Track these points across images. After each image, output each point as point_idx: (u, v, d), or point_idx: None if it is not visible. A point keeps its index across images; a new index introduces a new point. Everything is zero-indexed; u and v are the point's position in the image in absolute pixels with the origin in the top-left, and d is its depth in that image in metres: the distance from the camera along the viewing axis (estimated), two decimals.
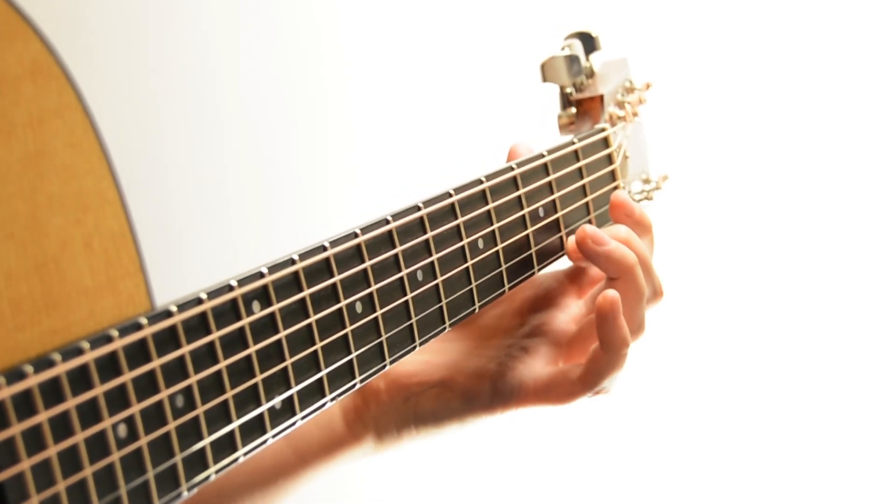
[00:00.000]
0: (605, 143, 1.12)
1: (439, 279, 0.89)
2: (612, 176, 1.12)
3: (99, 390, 0.64)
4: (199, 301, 0.70)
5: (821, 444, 2.10)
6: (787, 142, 2.10)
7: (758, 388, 2.13)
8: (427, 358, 1.02)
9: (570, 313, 1.05)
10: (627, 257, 0.98)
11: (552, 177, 1.02)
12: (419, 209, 0.88)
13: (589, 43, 1.21)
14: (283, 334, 0.75)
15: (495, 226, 0.95)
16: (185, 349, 0.69)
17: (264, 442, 0.74)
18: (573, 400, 0.99)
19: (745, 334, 2.13)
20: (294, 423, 0.76)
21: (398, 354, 0.85)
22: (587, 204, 1.07)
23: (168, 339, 0.68)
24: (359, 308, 0.82)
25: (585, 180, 1.07)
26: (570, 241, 1.01)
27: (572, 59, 1.17)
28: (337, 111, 2.26)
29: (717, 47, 2.11)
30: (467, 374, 1.00)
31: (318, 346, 0.78)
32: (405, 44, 2.23)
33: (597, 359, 0.97)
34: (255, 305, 0.74)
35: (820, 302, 2.10)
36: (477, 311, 0.93)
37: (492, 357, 1.02)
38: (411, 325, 0.87)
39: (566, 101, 1.18)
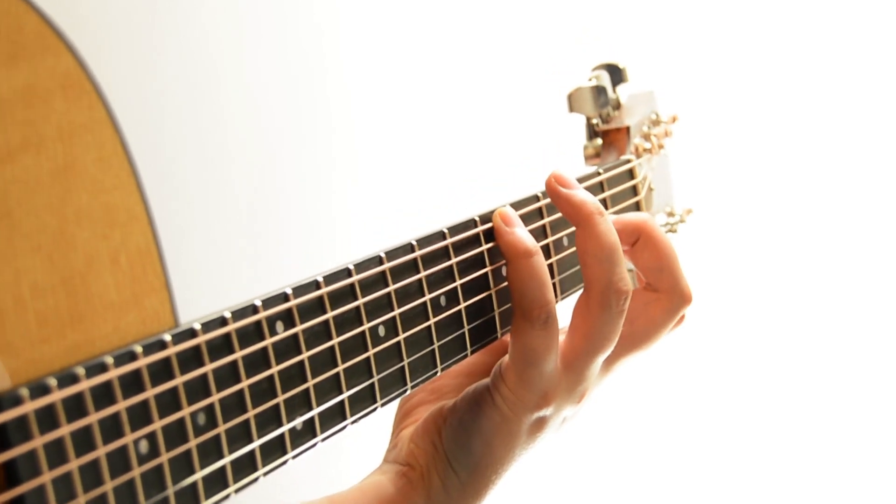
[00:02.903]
0: (631, 174, 1.12)
1: (462, 305, 0.89)
2: (637, 207, 1.12)
3: (122, 405, 0.64)
4: (223, 321, 0.70)
5: (821, 445, 2.10)
6: (810, 180, 2.10)
7: (757, 390, 2.13)
8: (435, 399, 1.01)
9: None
10: (587, 204, 0.94)
11: None
12: (444, 236, 0.88)
13: (616, 74, 1.21)
14: (305, 355, 0.75)
15: None
16: (209, 367, 0.69)
17: (284, 462, 0.74)
18: (606, 343, 0.94)
19: (754, 346, 2.14)
20: (314, 445, 0.76)
21: (419, 379, 0.85)
22: None
23: (192, 358, 0.68)
24: (381, 332, 0.82)
25: (610, 211, 1.07)
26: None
27: (599, 91, 1.17)
28: (366, 133, 2.27)
29: (742, 79, 2.11)
30: (473, 391, 0.95)
31: (341, 368, 0.78)
32: (418, 52, 2.24)
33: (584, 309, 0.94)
34: (279, 326, 0.74)
35: (823, 310, 2.10)
36: (499, 337, 0.93)
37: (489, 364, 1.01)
38: (433, 350, 0.87)
39: (592, 131, 1.18)
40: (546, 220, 0.98)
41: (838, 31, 2.07)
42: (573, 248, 1.01)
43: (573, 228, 1.01)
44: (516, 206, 0.96)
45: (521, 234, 0.92)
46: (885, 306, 2.09)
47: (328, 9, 2.26)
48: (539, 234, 0.98)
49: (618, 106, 1.21)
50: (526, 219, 0.96)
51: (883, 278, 2.09)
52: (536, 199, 0.98)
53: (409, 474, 0.97)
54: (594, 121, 1.18)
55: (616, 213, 1.08)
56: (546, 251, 0.98)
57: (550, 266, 0.99)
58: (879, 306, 2.10)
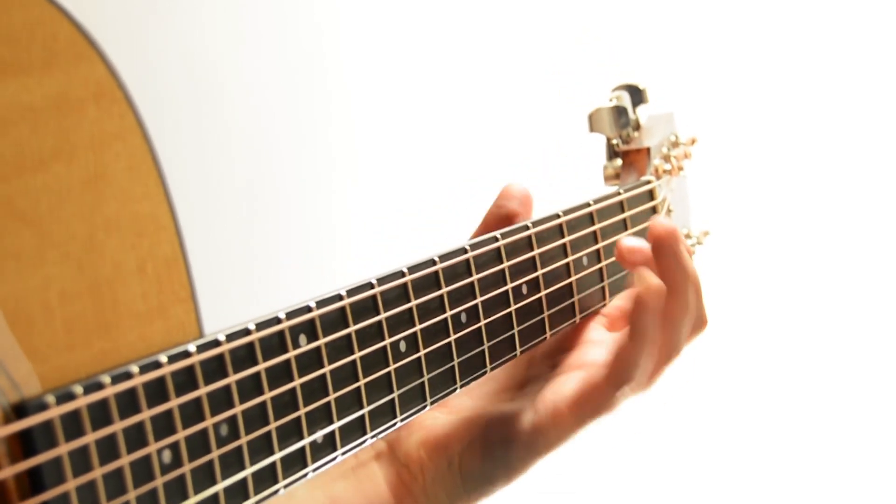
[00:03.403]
0: (651, 195, 1.12)
1: (482, 322, 0.89)
2: None
3: (146, 415, 0.64)
4: (247, 332, 0.70)
5: (830, 452, 2.10)
6: (825, 195, 2.10)
7: (771, 407, 2.13)
8: (453, 418, 0.99)
9: (602, 344, 1.00)
10: (690, 266, 0.95)
11: (597, 226, 1.02)
12: (466, 252, 0.89)
13: (636, 95, 1.21)
14: (327, 369, 0.75)
15: (539, 272, 0.95)
16: (232, 378, 0.69)
17: (304, 475, 0.74)
18: (609, 405, 0.94)
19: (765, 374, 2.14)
20: (335, 459, 0.76)
21: (439, 395, 0.85)
22: None
23: (215, 369, 0.68)
24: (403, 347, 0.82)
25: (629, 231, 1.07)
26: (627, 242, 0.96)
27: (619, 111, 1.17)
28: (366, 133, 2.27)
29: (742, 80, 2.11)
30: (501, 420, 0.97)
31: (362, 382, 0.78)
32: (418, 52, 2.24)
33: (621, 351, 0.92)
34: (302, 339, 0.74)
35: (837, 335, 2.11)
36: (518, 355, 0.93)
37: (522, 397, 0.99)
38: (453, 366, 0.87)
39: (612, 152, 1.18)
40: (567, 238, 0.98)
41: (848, 31, 2.07)
42: (592, 268, 1.01)
43: (593, 248, 1.01)
44: (537, 223, 0.96)
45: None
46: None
47: (328, 10, 2.27)
48: (559, 253, 0.98)
49: (637, 127, 1.21)
50: (546, 237, 0.96)
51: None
52: (557, 216, 0.98)
53: (410, 484, 0.97)
54: (614, 141, 1.18)
55: (635, 234, 1.08)
56: (566, 270, 0.98)
57: (570, 285, 0.99)
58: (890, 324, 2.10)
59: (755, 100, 2.11)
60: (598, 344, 1.01)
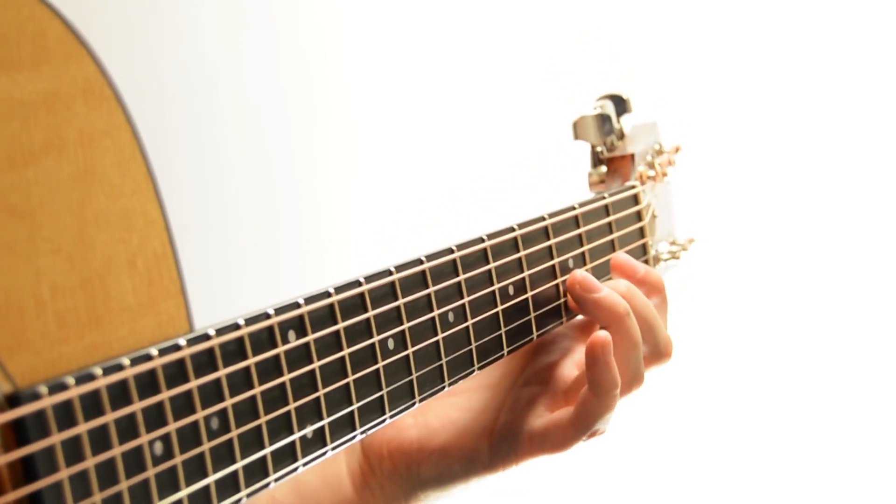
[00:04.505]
0: (635, 200, 1.13)
1: (470, 322, 0.90)
2: (641, 233, 1.13)
3: (137, 406, 0.64)
4: (236, 326, 0.71)
5: (825, 458, 2.10)
6: (811, 199, 2.11)
7: (757, 413, 2.14)
8: (426, 420, 1.02)
9: (573, 359, 1.04)
10: (617, 306, 0.97)
11: (582, 229, 1.04)
12: (452, 252, 0.90)
13: (620, 105, 1.23)
14: (316, 365, 0.76)
15: (526, 273, 0.96)
16: (222, 372, 0.69)
17: (294, 469, 0.75)
18: (568, 446, 0.98)
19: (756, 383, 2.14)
20: (324, 454, 0.77)
21: (427, 393, 0.86)
22: None
23: (206, 362, 0.69)
24: (391, 345, 0.83)
25: (614, 235, 1.08)
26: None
27: (604, 119, 1.18)
28: (366, 134, 2.28)
29: (742, 81, 2.12)
30: (466, 436, 1.00)
31: (351, 379, 0.79)
32: (418, 52, 2.25)
33: (586, 402, 0.96)
34: (291, 335, 0.75)
35: (824, 338, 2.12)
36: (505, 355, 0.94)
37: (491, 410, 1.02)
38: (441, 365, 0.88)
39: (597, 159, 1.19)
40: (552, 241, 1.00)
41: (840, 37, 2.09)
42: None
43: (579, 251, 1.03)
44: (522, 226, 0.97)
45: (614, 296, 0.98)
46: (886, 323, 2.10)
47: (329, 10, 2.28)
48: (545, 255, 0.99)
49: (622, 136, 1.22)
50: (532, 239, 0.97)
51: (884, 302, 2.10)
52: (542, 219, 0.99)
53: (368, 476, 1.00)
54: (598, 149, 1.19)
55: (620, 237, 1.09)
56: (552, 272, 0.99)
57: (556, 287, 1.00)
58: (880, 329, 2.11)
59: (754, 99, 2.12)
60: (568, 353, 1.05)
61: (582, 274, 0.99)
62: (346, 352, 0.79)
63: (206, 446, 0.68)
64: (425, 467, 1.00)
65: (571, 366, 1.03)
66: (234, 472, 0.70)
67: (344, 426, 0.79)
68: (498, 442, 0.99)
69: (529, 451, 0.99)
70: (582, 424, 0.96)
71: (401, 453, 1.01)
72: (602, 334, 0.94)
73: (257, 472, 0.72)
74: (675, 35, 2.14)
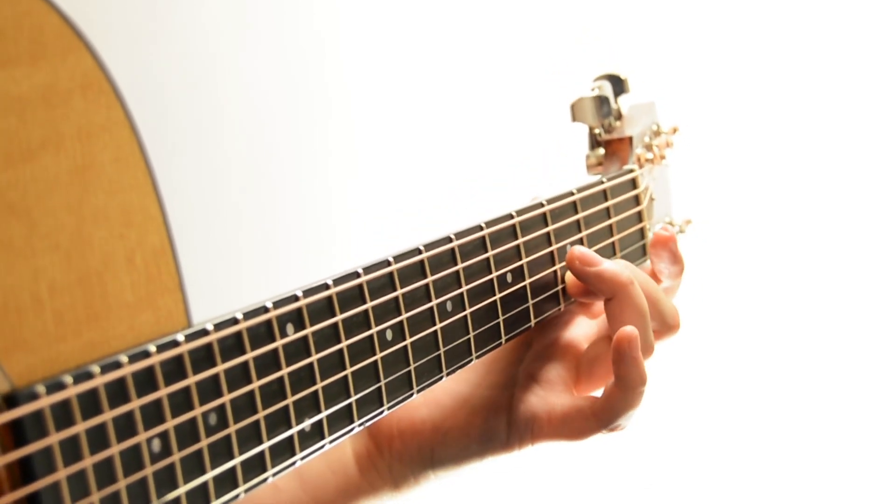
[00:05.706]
0: (633, 184, 1.13)
1: (468, 311, 0.90)
2: (639, 217, 1.13)
3: (135, 404, 0.64)
4: (234, 321, 0.71)
5: (822, 452, 2.11)
6: (810, 188, 2.11)
7: (753, 396, 2.14)
8: (437, 398, 1.01)
9: (579, 331, 1.04)
10: (619, 274, 0.96)
11: (580, 215, 1.03)
12: (451, 240, 0.89)
13: (618, 85, 1.22)
14: (314, 358, 0.76)
15: (524, 261, 0.96)
16: (220, 368, 0.69)
17: (293, 464, 0.74)
18: (588, 437, 0.97)
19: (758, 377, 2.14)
20: (322, 447, 0.77)
21: (426, 383, 0.86)
22: (613, 243, 1.08)
23: (204, 358, 0.68)
24: (389, 336, 0.82)
25: (612, 220, 1.08)
26: (569, 277, 1.00)
27: (602, 101, 1.17)
28: (366, 134, 2.27)
29: (742, 82, 2.12)
30: (481, 414, 0.99)
31: (349, 371, 0.79)
32: (418, 52, 2.24)
33: (612, 396, 0.95)
34: (289, 328, 0.74)
35: (823, 318, 2.12)
36: (504, 343, 0.94)
37: (503, 386, 1.00)
38: (439, 355, 0.87)
39: (594, 141, 1.18)
40: (551, 227, 0.99)
41: (837, 33, 2.08)
42: None
43: (577, 236, 1.02)
44: (521, 212, 0.96)
45: (616, 265, 0.97)
46: (882, 312, 2.10)
47: (328, 10, 2.27)
48: (543, 242, 0.98)
49: (619, 116, 1.22)
50: (530, 226, 0.97)
51: (881, 285, 2.11)
52: (541, 205, 0.99)
53: (376, 458, 0.99)
54: (596, 130, 1.18)
55: (618, 222, 1.09)
56: (550, 259, 0.99)
57: (554, 273, 0.99)
58: (877, 312, 2.11)
59: (752, 94, 2.11)
60: (573, 326, 1.04)
61: (580, 249, 0.97)
62: (344, 344, 0.78)
63: (204, 442, 0.68)
64: (440, 447, 0.99)
65: (580, 337, 1.03)
66: (233, 468, 0.70)
67: (342, 419, 0.78)
68: (516, 420, 0.98)
69: (548, 434, 0.98)
70: (605, 418, 0.96)
71: (413, 433, 0.99)
72: (628, 329, 0.93)
73: (255, 467, 0.72)
74: (675, 35, 2.13)
